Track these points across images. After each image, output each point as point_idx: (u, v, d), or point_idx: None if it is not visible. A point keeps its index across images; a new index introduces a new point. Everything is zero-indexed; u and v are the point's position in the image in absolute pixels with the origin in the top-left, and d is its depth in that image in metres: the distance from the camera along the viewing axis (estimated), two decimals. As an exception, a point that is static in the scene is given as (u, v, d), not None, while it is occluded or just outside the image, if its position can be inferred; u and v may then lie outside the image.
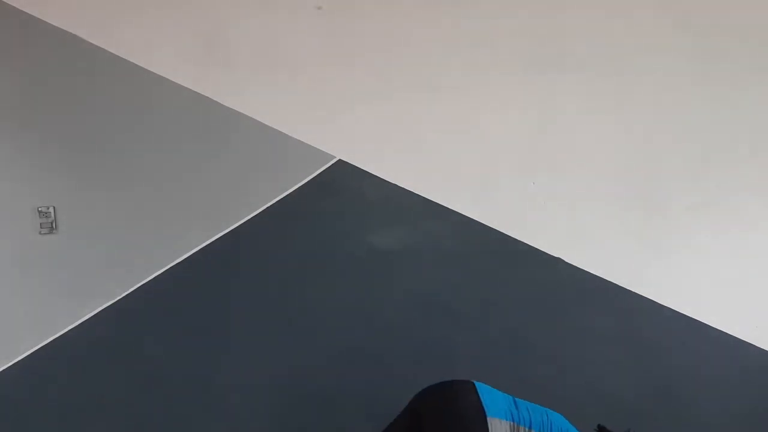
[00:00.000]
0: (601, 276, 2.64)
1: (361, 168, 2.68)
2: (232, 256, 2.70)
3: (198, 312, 2.71)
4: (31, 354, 2.69)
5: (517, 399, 2.05)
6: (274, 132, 2.68)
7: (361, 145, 2.68)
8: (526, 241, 2.65)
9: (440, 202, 2.68)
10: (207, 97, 2.68)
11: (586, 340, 2.65)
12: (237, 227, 2.69)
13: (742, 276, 2.62)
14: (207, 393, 2.70)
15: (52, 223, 2.70)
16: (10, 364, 2.70)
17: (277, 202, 2.70)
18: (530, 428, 1.94)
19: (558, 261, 2.65)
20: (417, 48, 2.66)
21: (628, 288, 2.63)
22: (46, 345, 2.69)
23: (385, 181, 2.68)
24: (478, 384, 2.04)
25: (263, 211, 2.70)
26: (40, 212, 2.69)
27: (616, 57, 2.62)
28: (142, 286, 2.70)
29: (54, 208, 2.70)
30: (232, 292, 2.71)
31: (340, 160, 2.68)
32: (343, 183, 2.69)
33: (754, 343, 2.62)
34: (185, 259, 2.70)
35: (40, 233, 2.70)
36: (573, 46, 2.63)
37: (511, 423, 1.92)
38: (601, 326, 2.64)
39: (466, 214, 2.67)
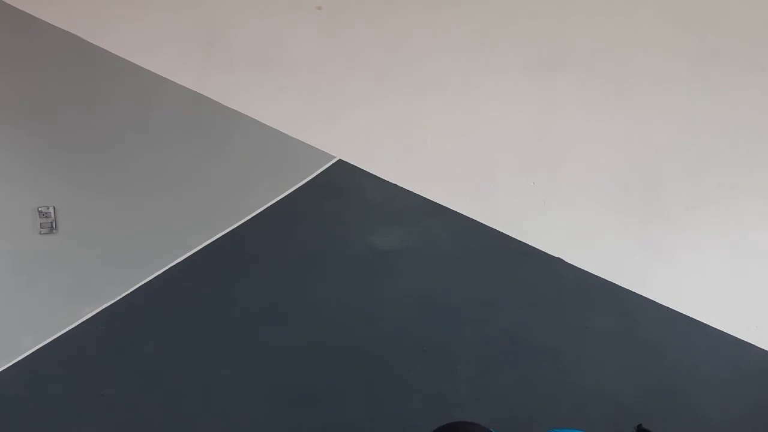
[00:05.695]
0: (601, 276, 2.64)
1: (361, 168, 2.68)
2: (232, 256, 2.70)
3: (198, 312, 2.71)
4: (31, 354, 2.70)
5: None
6: (274, 132, 2.67)
7: (361, 145, 2.68)
8: (526, 241, 2.65)
9: (440, 202, 2.67)
10: (207, 97, 2.68)
11: (586, 340, 2.65)
12: (237, 227, 2.69)
13: (743, 276, 2.62)
14: (207, 393, 2.71)
15: (52, 223, 2.70)
16: (10, 364, 2.70)
17: (277, 202, 2.69)
18: None
19: (558, 261, 2.65)
20: (417, 48, 2.65)
21: (628, 288, 2.63)
22: (46, 345, 2.70)
23: (385, 181, 2.68)
24: None
25: (263, 211, 2.69)
26: (40, 212, 2.69)
27: (617, 57, 2.62)
28: (142, 286, 2.71)
29: (54, 208, 2.70)
30: (231, 292, 2.71)
31: (340, 160, 2.68)
32: (343, 183, 2.68)
33: (754, 343, 2.62)
34: (185, 259, 2.70)
35: (40, 233, 2.70)
36: (573, 46, 2.62)
37: None
38: (601, 326, 2.64)
39: (466, 214, 2.67)
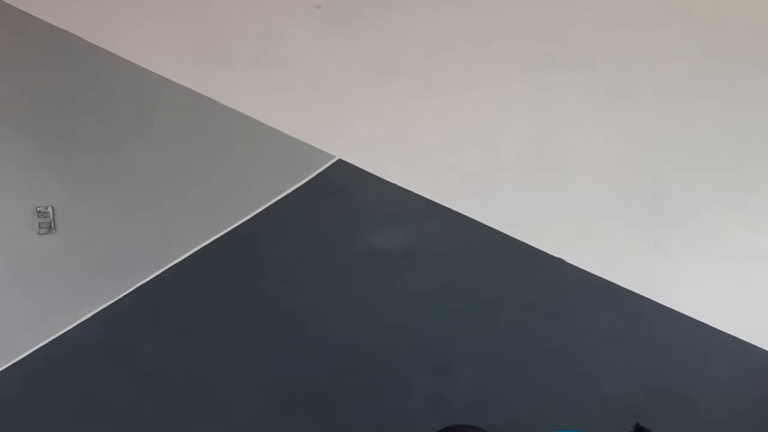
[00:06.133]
0: (602, 276, 2.63)
1: (361, 168, 2.68)
2: (231, 256, 2.70)
3: (197, 312, 2.71)
4: (31, 354, 2.69)
5: None
6: (273, 132, 2.67)
7: (361, 145, 2.68)
8: (526, 242, 2.65)
9: (440, 202, 2.67)
10: (206, 96, 2.67)
11: (587, 340, 2.64)
12: (237, 227, 2.69)
13: (744, 276, 2.61)
14: (205, 393, 2.70)
15: (50, 223, 2.69)
16: (9, 364, 2.69)
17: (276, 202, 2.69)
18: None
19: (559, 261, 2.65)
20: (417, 47, 2.65)
21: (629, 288, 2.62)
22: (45, 345, 2.69)
23: (385, 181, 2.68)
24: None
25: (263, 211, 2.69)
26: (38, 212, 2.69)
27: (618, 56, 2.61)
28: (141, 286, 2.70)
29: (52, 208, 2.69)
30: (231, 292, 2.71)
31: (340, 160, 2.68)
32: (343, 183, 2.68)
33: (755, 344, 2.62)
34: (185, 259, 2.69)
35: (38, 233, 2.69)
36: (574, 46, 2.62)
37: None
38: (602, 326, 2.64)
39: (466, 214, 2.66)
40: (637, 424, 2.03)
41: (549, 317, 2.66)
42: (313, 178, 2.69)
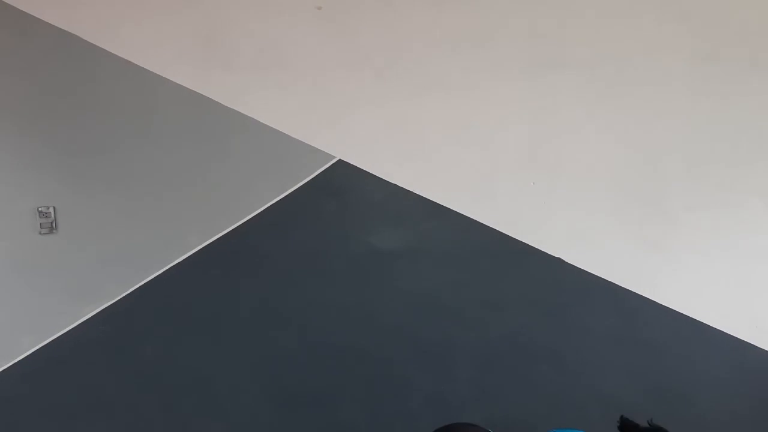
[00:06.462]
0: (601, 276, 2.63)
1: (362, 168, 2.68)
2: (232, 256, 2.70)
3: (198, 312, 2.71)
4: (31, 354, 2.70)
5: None
6: (274, 132, 2.67)
7: (362, 146, 2.68)
8: (526, 241, 2.65)
9: (440, 202, 2.67)
10: (207, 97, 2.68)
11: (586, 340, 2.65)
12: (237, 227, 2.70)
13: (742, 276, 2.61)
14: (206, 393, 2.71)
15: (52, 223, 2.70)
16: (10, 364, 2.70)
17: (277, 202, 2.70)
18: None
19: (558, 261, 2.65)
20: (417, 48, 2.65)
21: (628, 288, 2.63)
22: (46, 345, 2.70)
23: (385, 181, 2.68)
24: None
25: (263, 211, 2.70)
26: (40, 212, 2.69)
27: (617, 57, 2.61)
28: (141, 286, 2.71)
29: (54, 208, 2.70)
30: (231, 292, 2.71)
31: (340, 161, 2.68)
32: (343, 183, 2.68)
33: (754, 344, 2.62)
34: (185, 259, 2.70)
35: (40, 233, 2.70)
36: (573, 47, 2.62)
37: None
38: (600, 326, 2.64)
39: (466, 214, 2.67)
40: (622, 417, 2.03)
41: (548, 317, 2.66)
42: (314, 178, 2.69)
